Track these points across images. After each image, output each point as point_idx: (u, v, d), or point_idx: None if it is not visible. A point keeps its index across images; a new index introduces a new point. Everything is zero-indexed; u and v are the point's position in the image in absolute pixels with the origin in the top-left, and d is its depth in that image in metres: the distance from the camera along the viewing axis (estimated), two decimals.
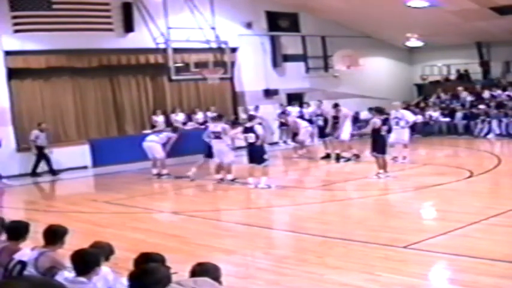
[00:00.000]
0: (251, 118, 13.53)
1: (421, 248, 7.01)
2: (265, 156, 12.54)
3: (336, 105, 16.48)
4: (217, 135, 13.32)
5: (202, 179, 13.96)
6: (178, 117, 19.99)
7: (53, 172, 16.52)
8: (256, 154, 12.46)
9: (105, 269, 4.38)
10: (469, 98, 22.92)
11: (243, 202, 11.68)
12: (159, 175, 14.83)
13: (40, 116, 18.19)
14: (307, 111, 19.29)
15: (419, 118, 21.19)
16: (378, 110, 13.33)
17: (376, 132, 12.76)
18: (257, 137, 12.44)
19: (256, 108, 20.77)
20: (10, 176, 15.70)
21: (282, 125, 20.91)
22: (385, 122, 13.25)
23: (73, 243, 5.00)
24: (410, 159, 15.12)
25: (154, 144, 14.89)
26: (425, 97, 25.16)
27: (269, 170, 12.73)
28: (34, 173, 16.40)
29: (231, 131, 13.50)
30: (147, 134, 16.10)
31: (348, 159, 15.68)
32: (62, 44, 17.45)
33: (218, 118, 14.19)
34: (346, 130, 15.84)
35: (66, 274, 4.28)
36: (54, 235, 4.96)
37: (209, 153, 13.79)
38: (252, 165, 12.63)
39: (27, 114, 18.00)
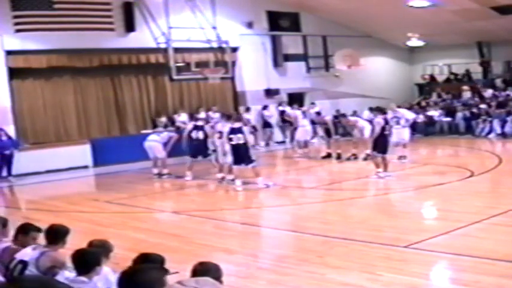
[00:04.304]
0: (238, 119, 13.68)
1: (422, 247, 7.00)
2: (253, 157, 12.58)
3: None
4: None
5: (203, 179, 13.97)
6: (181, 117, 20.00)
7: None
8: (243, 155, 12.46)
9: (106, 269, 4.38)
10: (469, 96, 22.96)
11: (243, 202, 11.68)
12: (159, 175, 14.83)
13: (41, 116, 18.24)
14: (313, 111, 19.35)
15: (420, 117, 21.23)
16: (380, 110, 13.32)
17: (380, 131, 12.75)
18: (244, 137, 12.48)
19: (248, 109, 20.90)
20: (12, 175, 15.73)
21: (284, 122, 21.11)
22: (387, 121, 13.24)
23: (74, 243, 5.00)
24: (411, 158, 15.12)
25: (155, 143, 14.90)
26: (426, 97, 25.16)
27: (260, 169, 12.73)
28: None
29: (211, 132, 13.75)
30: (148, 134, 16.10)
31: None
32: (63, 43, 17.46)
33: (227, 118, 14.23)
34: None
35: (67, 274, 4.29)
36: (56, 235, 4.96)
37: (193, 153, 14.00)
38: (239, 166, 12.58)
39: (28, 113, 18.03)
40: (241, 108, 21.28)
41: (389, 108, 15.50)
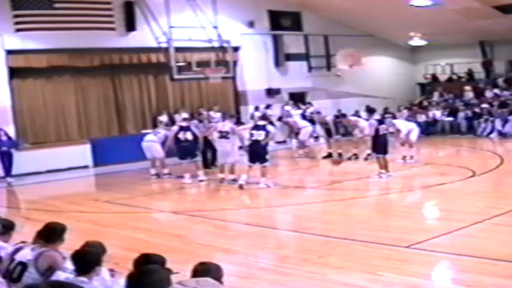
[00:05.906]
0: (264, 117, 13.66)
1: (423, 247, 6.97)
2: (267, 157, 12.52)
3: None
4: (224, 135, 13.24)
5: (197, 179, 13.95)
6: (182, 117, 19.93)
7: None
8: (260, 153, 12.43)
9: (102, 269, 4.35)
10: (471, 96, 22.92)
11: (244, 202, 11.65)
12: (158, 175, 14.77)
13: (42, 115, 18.22)
14: (309, 111, 19.35)
15: (422, 117, 21.16)
16: (369, 111, 13.25)
17: (375, 132, 12.72)
18: (266, 135, 12.45)
19: (257, 108, 20.88)
20: (12, 175, 15.70)
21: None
22: (382, 121, 13.15)
23: (75, 243, 4.94)
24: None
25: (153, 144, 14.84)
26: (428, 96, 25.13)
27: (268, 170, 12.69)
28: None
29: (239, 128, 13.57)
30: (146, 134, 16.02)
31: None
32: (64, 43, 17.44)
33: (229, 118, 14.19)
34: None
35: (66, 274, 4.26)
36: (53, 233, 4.88)
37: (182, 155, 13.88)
38: (254, 164, 12.54)
39: (28, 113, 18.01)
40: (261, 106, 21.13)
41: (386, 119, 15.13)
